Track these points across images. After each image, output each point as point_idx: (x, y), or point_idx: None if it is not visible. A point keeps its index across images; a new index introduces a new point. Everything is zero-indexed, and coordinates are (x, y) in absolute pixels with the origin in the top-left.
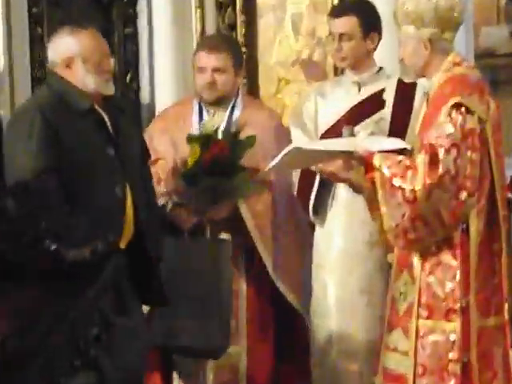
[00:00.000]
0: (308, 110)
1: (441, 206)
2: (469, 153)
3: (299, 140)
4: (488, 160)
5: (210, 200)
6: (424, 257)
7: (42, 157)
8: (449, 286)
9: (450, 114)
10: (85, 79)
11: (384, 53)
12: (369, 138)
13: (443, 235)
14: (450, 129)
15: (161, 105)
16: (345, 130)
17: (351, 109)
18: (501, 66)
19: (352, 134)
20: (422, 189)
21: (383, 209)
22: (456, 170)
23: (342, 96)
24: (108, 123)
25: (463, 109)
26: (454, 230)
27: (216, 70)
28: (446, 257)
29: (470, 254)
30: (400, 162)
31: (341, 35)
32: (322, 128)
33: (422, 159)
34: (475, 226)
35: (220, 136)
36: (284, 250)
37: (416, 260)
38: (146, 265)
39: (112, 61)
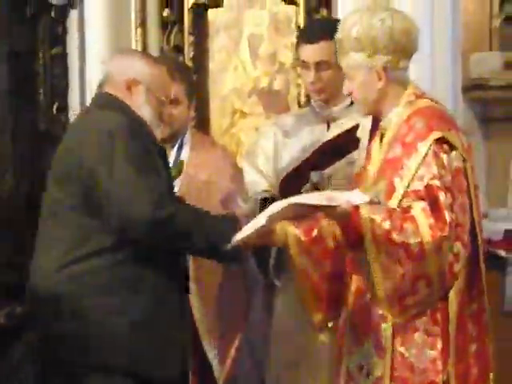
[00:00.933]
0: (266, 148)
1: (446, 261)
2: (460, 197)
3: (255, 183)
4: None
5: None
6: (395, 323)
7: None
8: (429, 355)
9: (435, 152)
10: (142, 108)
11: None
12: (334, 192)
13: (438, 298)
14: (440, 169)
15: None
16: (313, 175)
17: (319, 148)
18: (493, 100)
19: (322, 180)
20: (432, 242)
21: (376, 272)
22: (455, 217)
23: (308, 133)
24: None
25: (446, 146)
26: (449, 291)
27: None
28: (424, 322)
29: (449, 318)
30: (391, 212)
31: (318, 64)
32: (283, 171)
33: (419, 207)
34: (457, 283)
35: None
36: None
37: (385, 327)
38: None
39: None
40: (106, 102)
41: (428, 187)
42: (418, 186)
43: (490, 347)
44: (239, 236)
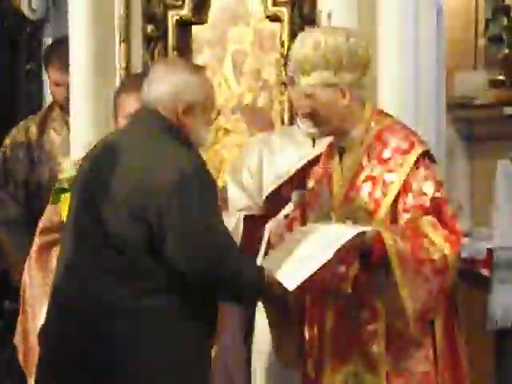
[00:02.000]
0: (250, 165)
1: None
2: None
3: (238, 199)
4: None
5: None
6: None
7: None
8: (422, 368)
9: (426, 165)
10: (200, 132)
11: None
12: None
13: None
14: (436, 182)
15: (76, 157)
16: (294, 195)
17: (304, 166)
18: (478, 119)
19: (302, 200)
20: (453, 253)
21: (403, 292)
22: None
23: (293, 151)
24: None
25: (427, 160)
26: None
27: None
28: (416, 334)
29: (435, 328)
30: (406, 232)
31: None
32: (268, 189)
33: (428, 222)
34: None
35: None
36: None
37: (377, 343)
38: None
39: None
40: (166, 129)
41: (433, 200)
42: (421, 200)
43: (464, 359)
44: (298, 278)
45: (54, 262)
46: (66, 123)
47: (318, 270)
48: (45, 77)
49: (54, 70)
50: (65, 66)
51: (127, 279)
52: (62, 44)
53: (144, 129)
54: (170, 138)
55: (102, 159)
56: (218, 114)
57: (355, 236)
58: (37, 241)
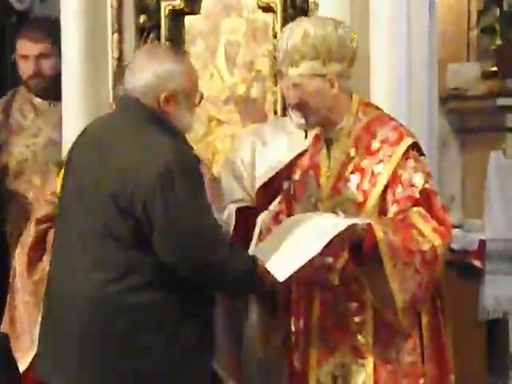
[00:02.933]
0: (243, 157)
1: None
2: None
3: (232, 191)
4: None
5: None
6: (375, 330)
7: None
8: (409, 359)
9: (415, 157)
10: (183, 119)
11: None
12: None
13: None
14: (425, 173)
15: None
16: (285, 185)
17: (295, 158)
18: (471, 110)
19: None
20: (442, 244)
21: (394, 285)
22: None
23: (285, 142)
24: None
25: (416, 151)
26: None
27: None
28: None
29: (421, 319)
30: (396, 223)
31: None
32: (260, 180)
33: (417, 213)
34: None
35: None
36: None
37: (364, 335)
38: None
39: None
40: (149, 118)
41: (422, 191)
42: (410, 191)
43: (449, 350)
44: (289, 269)
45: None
46: (32, 104)
47: (309, 261)
48: None
49: (23, 43)
50: (33, 38)
51: (118, 273)
52: (32, 21)
53: (127, 119)
54: (153, 127)
55: (87, 154)
56: (201, 98)
57: (347, 227)
58: (32, 229)
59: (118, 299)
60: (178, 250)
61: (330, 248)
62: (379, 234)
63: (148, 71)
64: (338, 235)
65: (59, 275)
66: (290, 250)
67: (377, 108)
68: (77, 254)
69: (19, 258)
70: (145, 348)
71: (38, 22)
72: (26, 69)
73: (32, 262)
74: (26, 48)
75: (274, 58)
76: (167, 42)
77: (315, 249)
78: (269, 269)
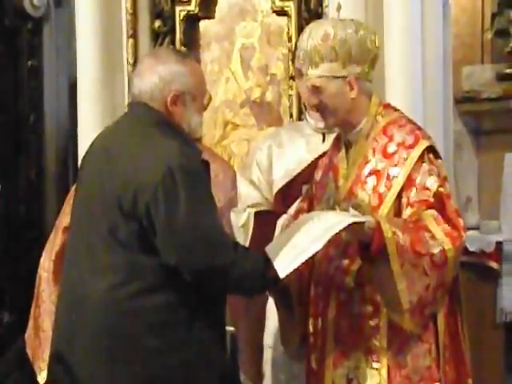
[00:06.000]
0: (260, 162)
1: (458, 267)
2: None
3: (249, 195)
4: None
5: None
6: (389, 334)
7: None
8: (424, 362)
9: (431, 160)
10: (191, 121)
11: None
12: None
13: None
14: (440, 176)
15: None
16: (305, 190)
17: (313, 162)
18: (485, 112)
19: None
20: (453, 249)
21: (401, 285)
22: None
23: (303, 146)
24: None
25: (431, 155)
26: None
27: None
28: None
29: (437, 323)
30: (407, 224)
31: None
32: (278, 184)
33: (430, 216)
34: None
35: None
36: None
37: (378, 338)
38: None
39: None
40: (156, 121)
41: (436, 194)
42: (424, 195)
43: (467, 353)
44: (290, 266)
45: None
46: None
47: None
48: (46, 74)
49: None
50: None
51: (125, 277)
52: None
53: (135, 124)
54: (160, 131)
55: (96, 161)
56: (210, 100)
57: (354, 225)
58: (59, 238)
59: (127, 302)
60: (181, 254)
61: (344, 250)
62: (388, 233)
63: (153, 74)
64: (342, 232)
65: (70, 279)
66: (294, 246)
67: (396, 110)
68: (85, 258)
69: (45, 266)
70: (156, 350)
71: None
72: None
73: (58, 270)
74: None
75: (291, 60)
76: (182, 47)
77: (317, 245)
78: (274, 265)
